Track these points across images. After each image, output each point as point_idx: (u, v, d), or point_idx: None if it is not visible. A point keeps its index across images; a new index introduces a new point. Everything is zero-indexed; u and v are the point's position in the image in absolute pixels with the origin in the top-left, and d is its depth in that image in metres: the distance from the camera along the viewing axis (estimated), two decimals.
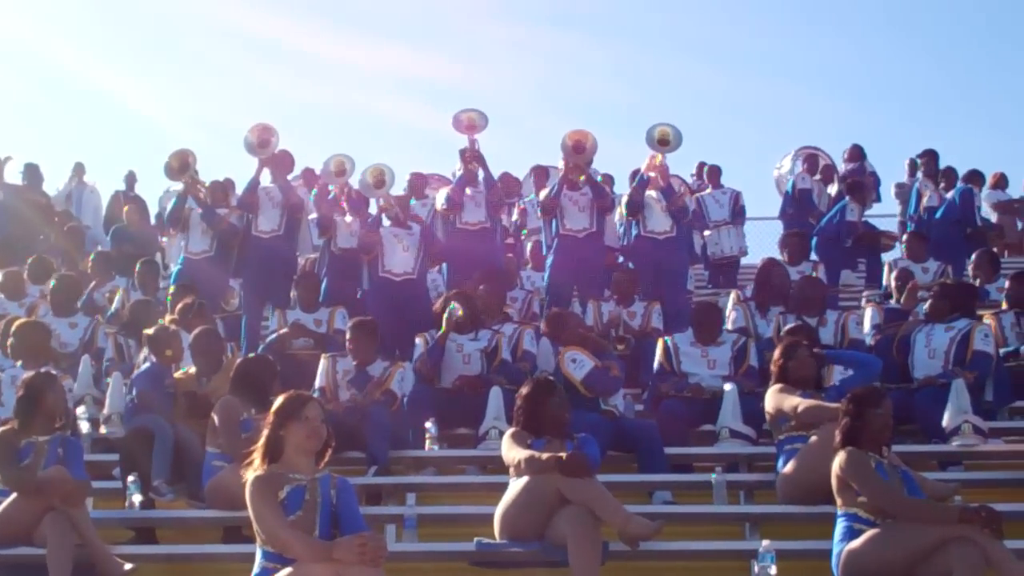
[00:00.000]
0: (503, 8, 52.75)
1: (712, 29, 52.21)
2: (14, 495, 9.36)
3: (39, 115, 48.57)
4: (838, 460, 8.63)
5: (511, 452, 9.33)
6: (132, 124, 46.99)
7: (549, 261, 15.68)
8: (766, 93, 52.65)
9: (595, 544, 8.71)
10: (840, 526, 8.61)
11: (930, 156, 21.58)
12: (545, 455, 9.02)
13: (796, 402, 9.98)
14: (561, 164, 15.93)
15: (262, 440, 7.63)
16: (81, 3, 49.75)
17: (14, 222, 20.43)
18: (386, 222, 15.31)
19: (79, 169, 22.84)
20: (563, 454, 8.97)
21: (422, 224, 15.70)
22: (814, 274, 15.43)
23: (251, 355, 11.30)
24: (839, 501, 8.65)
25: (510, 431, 9.65)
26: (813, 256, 17.67)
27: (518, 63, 53.68)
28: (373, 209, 15.89)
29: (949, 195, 20.15)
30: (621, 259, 16.32)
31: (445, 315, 12.70)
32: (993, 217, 21.46)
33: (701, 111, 50.14)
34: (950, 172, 20.94)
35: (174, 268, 16.27)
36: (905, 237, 18.77)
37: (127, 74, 49.35)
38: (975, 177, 20.74)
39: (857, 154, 22.38)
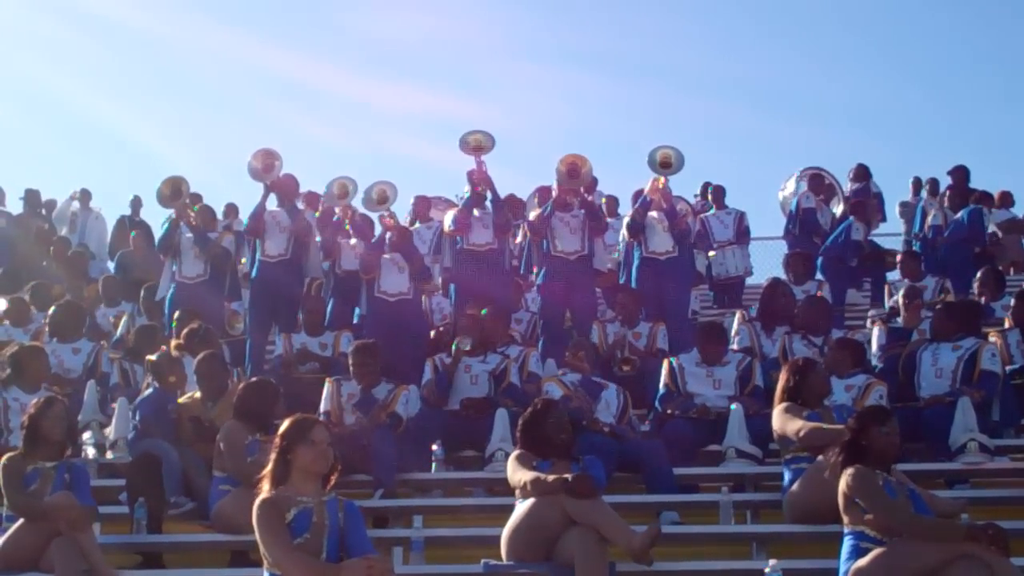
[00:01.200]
0: (520, 47, 52.85)
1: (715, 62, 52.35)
2: (21, 521, 9.37)
3: (44, 150, 48.65)
4: (845, 478, 8.61)
5: (516, 474, 9.33)
6: (137, 159, 47.06)
7: (539, 283, 15.67)
8: (774, 126, 52.79)
9: (602, 565, 8.72)
10: (847, 544, 8.59)
11: (959, 170, 21.43)
12: (551, 477, 9.03)
13: (799, 426, 9.94)
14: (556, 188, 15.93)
15: (270, 462, 7.62)
16: (85, 39, 49.75)
17: (16, 250, 20.45)
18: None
19: (85, 195, 22.87)
20: (568, 476, 8.98)
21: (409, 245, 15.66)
22: (819, 294, 15.43)
23: (255, 379, 11.29)
24: (846, 519, 8.63)
25: (515, 453, 9.66)
26: (818, 275, 17.66)
27: (535, 101, 53.74)
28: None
29: (958, 215, 20.11)
30: (623, 280, 16.29)
31: (453, 346, 12.73)
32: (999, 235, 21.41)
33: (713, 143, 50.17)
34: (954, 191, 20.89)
35: (167, 293, 16.22)
36: (899, 257, 18.77)
37: (131, 108, 49.37)
38: (985, 197, 20.70)
39: (862, 174, 22.38)
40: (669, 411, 12.15)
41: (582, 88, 54.01)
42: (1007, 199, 21.87)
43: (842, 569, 8.55)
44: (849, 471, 8.60)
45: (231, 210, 19.12)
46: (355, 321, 15.50)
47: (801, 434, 9.86)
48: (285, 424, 7.72)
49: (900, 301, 16.04)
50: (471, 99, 50.92)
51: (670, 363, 12.48)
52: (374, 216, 16.57)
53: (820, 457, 9.58)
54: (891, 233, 23.01)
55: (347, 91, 51.26)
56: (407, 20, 50.19)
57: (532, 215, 16.27)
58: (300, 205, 16.82)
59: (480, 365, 12.71)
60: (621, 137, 50.01)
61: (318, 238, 16.50)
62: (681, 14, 53.03)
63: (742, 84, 52.52)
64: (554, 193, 16.06)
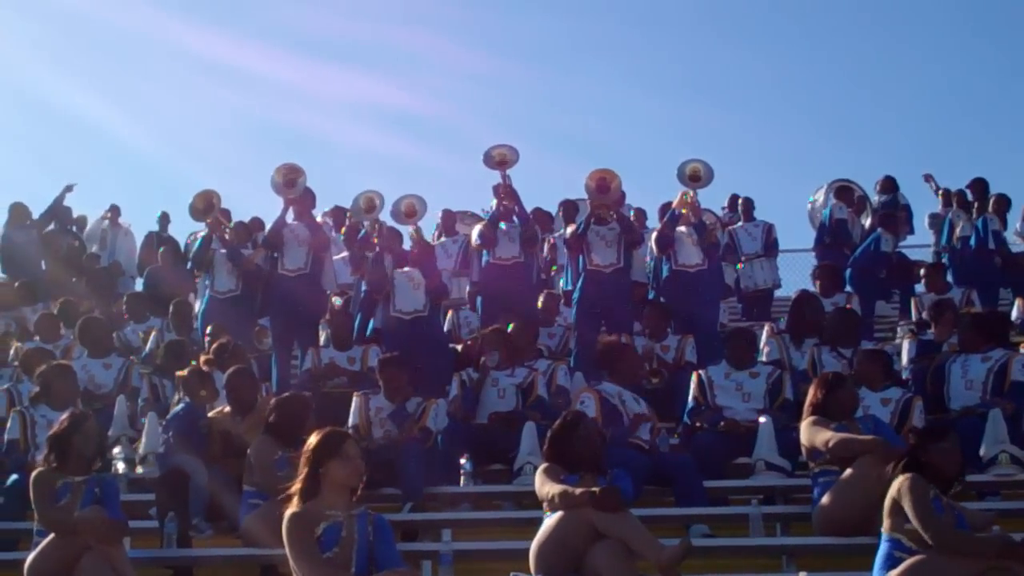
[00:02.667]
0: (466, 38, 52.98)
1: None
2: (51, 535, 9.37)
3: (71, 167, 48.89)
4: (897, 482, 8.57)
5: (544, 487, 9.32)
6: (163, 178, 47.30)
7: (575, 297, 15.65)
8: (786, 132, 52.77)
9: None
10: (882, 550, 8.57)
11: (979, 183, 21.32)
12: (578, 490, 9.00)
13: (828, 436, 9.91)
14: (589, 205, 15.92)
15: (299, 477, 7.63)
16: (65, 30, 49.71)
17: (43, 263, 20.52)
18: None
19: (114, 211, 22.93)
20: (596, 489, 8.96)
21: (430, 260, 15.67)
22: (848, 306, 15.39)
23: (285, 394, 11.29)
24: (887, 523, 8.58)
25: (542, 466, 9.63)
26: (847, 287, 17.60)
27: (480, 93, 53.86)
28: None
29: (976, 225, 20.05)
30: (652, 293, 16.27)
31: (480, 363, 12.73)
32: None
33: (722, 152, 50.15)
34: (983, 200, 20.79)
35: (199, 307, 16.30)
36: (923, 271, 18.70)
37: (102, 98, 49.39)
38: (1000, 204, 20.58)
39: (890, 186, 22.31)
40: (698, 424, 12.13)
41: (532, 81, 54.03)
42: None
43: (874, 574, 8.54)
44: (904, 477, 8.56)
45: (256, 224, 19.12)
46: (367, 334, 15.47)
47: (831, 444, 9.83)
48: (316, 438, 7.72)
49: (927, 314, 15.92)
50: (410, 88, 51.07)
51: (699, 376, 12.45)
52: (402, 229, 16.60)
53: (848, 471, 9.57)
54: (920, 245, 22.92)
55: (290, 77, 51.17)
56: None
57: (568, 230, 16.24)
58: (319, 219, 16.86)
59: (507, 379, 12.69)
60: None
61: (344, 253, 16.54)
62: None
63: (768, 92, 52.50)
64: (581, 207, 16.08)
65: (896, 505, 8.55)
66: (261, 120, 53.14)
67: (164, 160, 48.45)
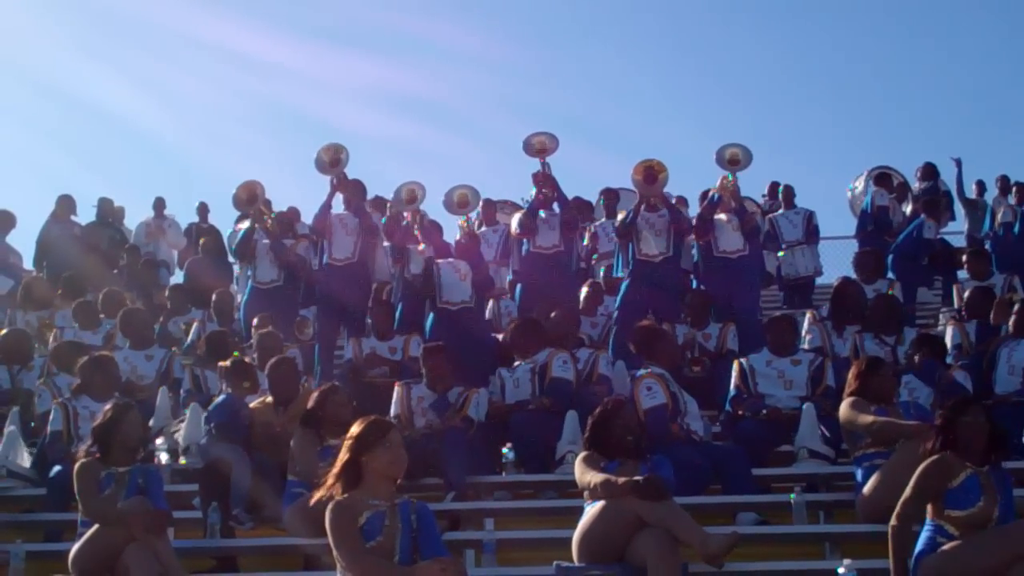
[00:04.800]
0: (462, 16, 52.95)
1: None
2: (96, 526, 9.40)
3: (110, 161, 49.07)
4: (923, 465, 8.58)
5: (584, 476, 9.29)
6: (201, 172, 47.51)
7: (624, 285, 15.62)
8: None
9: (675, 565, 8.66)
10: (924, 535, 8.55)
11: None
12: (621, 479, 8.98)
13: (870, 419, 9.90)
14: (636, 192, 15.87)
15: (339, 467, 7.62)
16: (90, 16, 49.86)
17: (85, 256, 20.56)
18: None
19: (159, 203, 22.96)
20: (639, 478, 8.93)
21: (477, 252, 15.68)
22: (890, 292, 15.31)
23: (327, 385, 11.30)
24: (930, 509, 8.56)
25: (582, 454, 9.62)
26: (889, 274, 17.54)
27: (477, 72, 53.89)
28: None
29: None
30: (694, 281, 16.21)
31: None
32: None
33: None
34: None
35: (242, 298, 16.34)
36: (965, 257, 18.59)
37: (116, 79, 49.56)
38: None
39: (930, 172, 22.25)
40: (740, 412, 12.09)
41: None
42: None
43: (913, 559, 8.51)
44: (930, 459, 8.56)
45: (293, 213, 19.15)
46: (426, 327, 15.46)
47: (874, 427, 9.82)
48: (359, 427, 7.70)
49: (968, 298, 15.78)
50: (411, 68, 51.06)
51: (740, 364, 12.42)
52: (443, 220, 16.63)
53: (893, 456, 9.54)
54: (958, 231, 22.79)
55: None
56: None
57: (618, 218, 16.17)
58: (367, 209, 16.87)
59: (523, 367, 12.65)
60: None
61: (386, 243, 16.55)
62: None
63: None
64: (622, 196, 16.05)
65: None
66: (273, 105, 53.26)
67: (181, 143, 48.72)
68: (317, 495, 7.68)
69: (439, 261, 15.06)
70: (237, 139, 50.78)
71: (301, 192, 57.99)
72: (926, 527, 8.57)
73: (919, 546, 8.53)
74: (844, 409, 10.20)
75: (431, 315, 14.95)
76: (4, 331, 15.65)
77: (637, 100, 53.82)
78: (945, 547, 8.33)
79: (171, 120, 48.86)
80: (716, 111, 53.14)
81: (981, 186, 22.38)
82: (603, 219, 18.85)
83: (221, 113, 53.10)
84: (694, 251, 16.16)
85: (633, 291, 15.32)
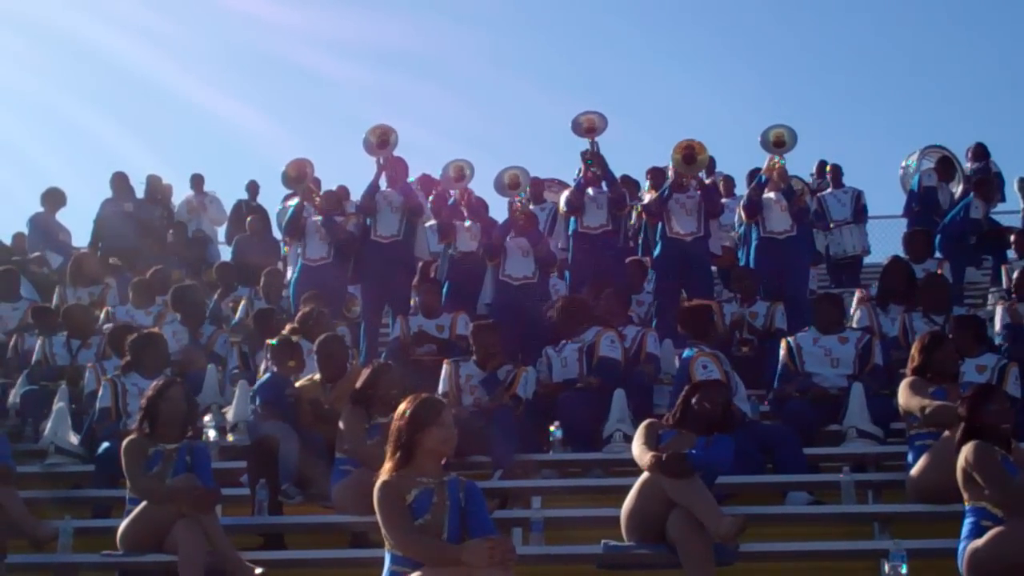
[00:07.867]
0: None
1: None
2: (144, 503, 9.44)
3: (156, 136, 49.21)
4: (964, 452, 8.52)
5: (635, 447, 9.25)
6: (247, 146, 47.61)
7: (654, 264, 15.62)
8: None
9: (702, 545, 8.55)
10: (967, 522, 8.50)
11: None
12: (649, 454, 8.94)
13: (924, 403, 9.87)
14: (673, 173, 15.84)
15: (393, 444, 7.60)
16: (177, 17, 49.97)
17: (140, 234, 20.59)
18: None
19: (197, 180, 22.97)
20: (664, 454, 8.86)
21: (535, 230, 15.65)
22: (939, 272, 15.21)
23: (377, 362, 11.28)
24: (966, 495, 8.53)
25: (646, 422, 9.56)
26: (937, 254, 17.44)
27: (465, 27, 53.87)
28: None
29: None
30: (742, 260, 16.16)
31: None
32: None
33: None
34: None
35: (292, 275, 16.36)
36: (1013, 237, 18.44)
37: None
38: None
39: (981, 152, 22.08)
40: (787, 391, 12.03)
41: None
42: None
43: (961, 546, 8.46)
44: (969, 446, 8.51)
45: (343, 191, 19.14)
46: (477, 311, 15.41)
47: (927, 411, 9.78)
48: (411, 406, 7.65)
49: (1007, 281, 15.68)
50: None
51: (787, 343, 12.38)
52: (490, 199, 16.59)
53: (945, 434, 9.48)
54: (1009, 211, 22.63)
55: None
56: None
57: (647, 198, 16.18)
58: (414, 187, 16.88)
59: (570, 345, 12.63)
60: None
61: (431, 221, 16.54)
62: None
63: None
64: (669, 175, 15.99)
65: (967, 475, 8.49)
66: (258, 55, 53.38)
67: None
68: (383, 474, 7.62)
69: (508, 238, 15.08)
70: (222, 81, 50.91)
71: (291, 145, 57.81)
72: (968, 514, 8.51)
73: (964, 533, 8.48)
74: (902, 390, 10.17)
75: (485, 292, 14.99)
76: (70, 304, 15.74)
77: (626, 51, 53.76)
78: (999, 531, 8.26)
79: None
80: (757, 87, 52.93)
81: None
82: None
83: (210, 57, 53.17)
84: (740, 228, 16.11)
85: (662, 270, 15.47)
